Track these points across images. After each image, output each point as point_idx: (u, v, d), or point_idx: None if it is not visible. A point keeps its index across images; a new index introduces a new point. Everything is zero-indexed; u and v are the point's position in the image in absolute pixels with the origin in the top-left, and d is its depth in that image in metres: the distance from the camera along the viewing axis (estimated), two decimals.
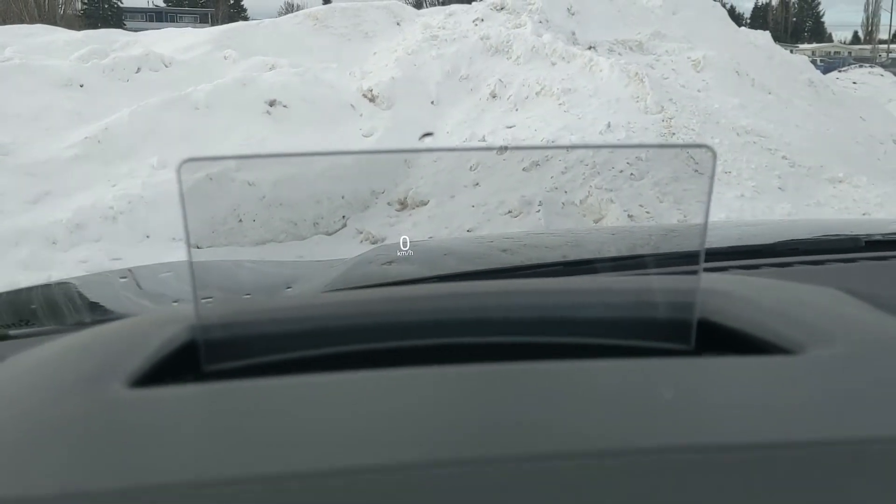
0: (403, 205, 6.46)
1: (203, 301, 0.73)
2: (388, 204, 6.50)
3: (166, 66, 8.15)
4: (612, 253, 1.20)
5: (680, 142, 6.92)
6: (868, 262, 0.94)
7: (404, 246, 1.28)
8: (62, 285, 1.27)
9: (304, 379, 0.44)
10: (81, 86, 7.35)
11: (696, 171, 6.69)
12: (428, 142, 6.35)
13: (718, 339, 0.50)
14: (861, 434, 0.36)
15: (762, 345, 0.47)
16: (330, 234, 6.18)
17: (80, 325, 0.79)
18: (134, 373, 0.45)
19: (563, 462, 0.34)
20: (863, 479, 0.33)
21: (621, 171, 6.46)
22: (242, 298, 0.87)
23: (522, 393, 0.42)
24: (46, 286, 1.27)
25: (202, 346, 0.51)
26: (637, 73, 7.82)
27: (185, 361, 0.50)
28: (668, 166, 6.61)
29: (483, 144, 7.08)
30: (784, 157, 6.87)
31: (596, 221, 5.98)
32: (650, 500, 0.32)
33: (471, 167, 6.72)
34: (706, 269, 0.86)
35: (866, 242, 1.03)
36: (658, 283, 0.54)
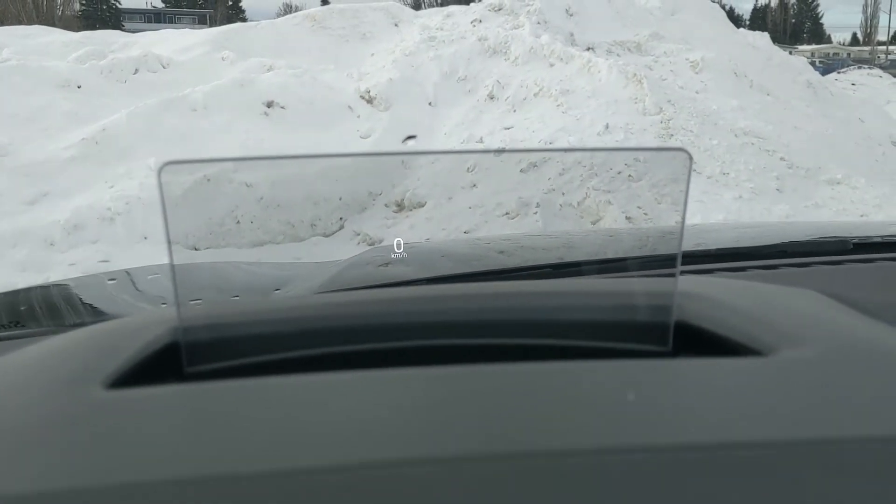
0: (401, 206, 6.46)
1: (192, 302, 0.73)
2: (386, 205, 6.50)
3: (164, 68, 8.14)
4: (608, 255, 1.20)
5: (678, 143, 6.92)
6: (853, 265, 0.94)
7: (398, 248, 1.27)
8: (52, 287, 1.27)
9: (282, 379, 0.44)
10: (79, 87, 7.35)
11: (695, 170, 6.70)
12: (411, 144, 6.34)
13: (696, 340, 0.50)
14: (819, 434, 0.36)
15: (735, 346, 0.48)
16: (327, 236, 6.18)
17: (67, 328, 0.79)
18: (112, 374, 0.45)
19: (541, 460, 0.35)
20: (817, 477, 0.34)
21: (619, 173, 6.46)
22: (231, 300, 0.86)
23: (502, 393, 0.42)
24: (36, 288, 1.27)
25: (184, 347, 0.50)
26: (635, 75, 7.82)
27: (167, 363, 0.50)
28: (666, 168, 6.61)
29: (478, 146, 7.08)
30: (782, 159, 6.87)
31: (593, 223, 5.98)
32: (623, 496, 0.33)
33: (468, 168, 6.72)
34: (694, 272, 0.86)
35: (854, 245, 1.04)
36: (637, 287, 0.54)
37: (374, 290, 0.71)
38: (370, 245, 5.87)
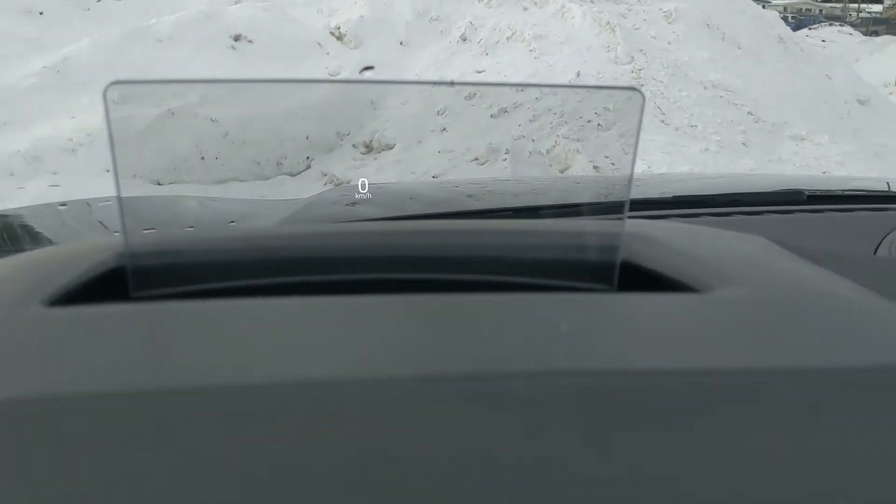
0: (369, 148, 6.41)
1: (146, 231, 0.72)
2: (354, 146, 6.44)
3: None
4: (570, 200, 1.21)
5: (648, 94, 6.91)
6: (803, 215, 0.96)
7: (363, 188, 1.26)
8: (3, 216, 1.24)
9: (230, 302, 0.44)
10: (41, 13, 7.13)
11: (663, 121, 6.71)
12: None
13: (641, 281, 0.52)
14: (740, 364, 0.38)
15: (675, 284, 0.49)
16: (294, 175, 6.12)
17: (12, 254, 0.78)
18: (53, 294, 0.44)
19: (484, 382, 0.36)
20: (730, 407, 0.35)
21: (589, 121, 6.46)
22: (184, 231, 0.85)
23: (450, 320, 0.44)
24: None
25: (130, 271, 0.50)
26: (609, 23, 7.77)
27: (113, 290, 0.49)
28: (635, 117, 6.59)
29: (447, 90, 7.02)
30: (749, 113, 6.92)
31: (562, 171, 5.98)
32: (553, 415, 0.34)
33: (438, 111, 6.66)
34: (647, 217, 0.88)
35: (808, 196, 1.06)
36: (586, 227, 0.56)
37: (330, 224, 0.71)
38: (337, 186, 5.82)
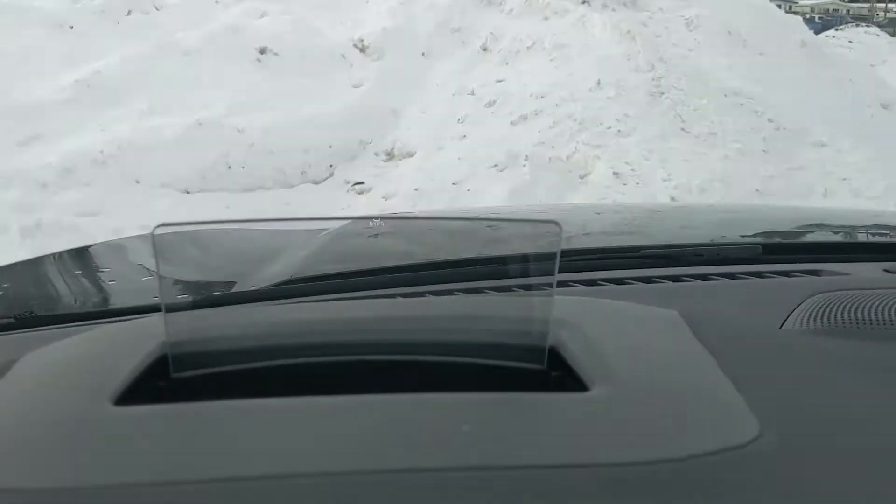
0: (391, 156, 6.52)
1: (180, 298, 0.87)
2: (376, 154, 6.56)
3: (157, 10, 8.09)
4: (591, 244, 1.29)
5: (668, 101, 6.95)
6: (747, 281, 0.97)
7: (378, 222, 1.34)
8: (44, 262, 1.32)
9: (254, 402, 0.56)
10: (71, 27, 7.31)
11: (683, 129, 6.73)
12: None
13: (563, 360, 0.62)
14: (601, 460, 0.48)
15: (576, 375, 0.59)
16: (317, 183, 6.24)
17: (68, 322, 0.90)
18: (117, 390, 0.56)
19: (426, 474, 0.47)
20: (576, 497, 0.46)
21: (609, 128, 6.51)
22: (214, 297, 0.96)
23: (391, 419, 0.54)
24: (29, 263, 1.32)
25: (171, 359, 0.62)
26: (629, 31, 7.82)
27: (157, 365, 0.62)
28: (655, 124, 6.65)
29: (469, 98, 7.10)
30: (770, 120, 6.91)
31: (581, 178, 6.03)
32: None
33: (458, 119, 6.76)
34: (610, 280, 0.95)
35: (763, 247, 1.08)
36: (522, 310, 0.65)
37: (329, 304, 0.85)
38: (359, 194, 5.95)
